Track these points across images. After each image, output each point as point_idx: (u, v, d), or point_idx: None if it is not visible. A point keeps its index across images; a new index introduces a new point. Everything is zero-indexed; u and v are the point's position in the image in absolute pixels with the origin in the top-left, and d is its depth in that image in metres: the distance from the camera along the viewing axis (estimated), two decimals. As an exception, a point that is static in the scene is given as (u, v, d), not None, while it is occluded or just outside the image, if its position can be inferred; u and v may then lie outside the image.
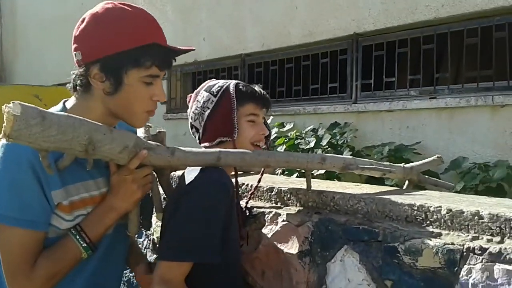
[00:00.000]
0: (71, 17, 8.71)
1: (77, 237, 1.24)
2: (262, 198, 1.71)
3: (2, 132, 1.01)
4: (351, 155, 3.76)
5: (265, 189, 1.70)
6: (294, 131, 4.36)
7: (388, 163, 1.72)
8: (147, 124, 1.50)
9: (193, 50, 1.34)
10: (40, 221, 1.21)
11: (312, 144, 3.99)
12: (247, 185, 1.78)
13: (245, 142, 1.47)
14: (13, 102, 1.00)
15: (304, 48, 4.82)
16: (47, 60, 8.81)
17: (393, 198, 1.34)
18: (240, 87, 1.49)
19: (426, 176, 1.88)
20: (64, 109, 1.30)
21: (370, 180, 3.49)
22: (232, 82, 1.51)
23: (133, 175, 1.24)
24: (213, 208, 1.29)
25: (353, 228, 1.33)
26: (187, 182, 1.35)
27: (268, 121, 4.77)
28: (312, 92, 4.79)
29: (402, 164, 1.77)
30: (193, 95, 1.57)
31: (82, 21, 1.25)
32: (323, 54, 4.67)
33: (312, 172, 3.60)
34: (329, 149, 3.94)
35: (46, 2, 8.90)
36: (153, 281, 1.29)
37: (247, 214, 1.65)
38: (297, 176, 3.54)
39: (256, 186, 1.68)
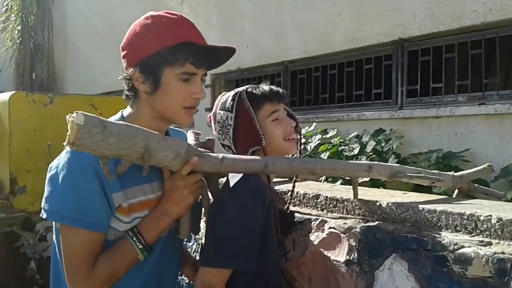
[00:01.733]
0: (119, 28, 8.95)
1: (134, 239, 1.30)
2: (308, 205, 1.73)
3: (67, 140, 1.08)
4: (397, 162, 3.72)
5: (311, 196, 1.72)
6: (338, 138, 4.34)
7: (436, 171, 1.69)
8: (197, 131, 1.55)
9: (231, 48, 1.40)
10: (101, 223, 1.28)
11: (356, 151, 3.96)
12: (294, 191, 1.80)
13: (277, 142, 1.48)
14: (76, 112, 1.07)
15: (348, 54, 4.80)
16: (97, 70, 9.12)
17: (442, 206, 1.33)
18: (250, 91, 1.50)
19: (476, 185, 1.84)
20: (122, 117, 1.38)
21: (417, 188, 3.44)
22: (242, 90, 1.51)
23: (185, 181, 1.29)
24: (250, 217, 1.32)
25: (402, 237, 1.33)
26: (227, 190, 1.39)
27: (311, 128, 4.78)
28: (356, 98, 4.76)
29: (451, 173, 1.74)
30: (211, 116, 1.58)
31: (129, 31, 1.37)
32: (367, 60, 4.64)
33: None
34: (374, 156, 3.91)
35: (95, 13, 9.23)
36: (196, 286, 1.34)
37: (293, 220, 1.67)
38: (341, 183, 3.53)
39: (292, 193, 1.68)
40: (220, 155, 1.32)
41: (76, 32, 10.01)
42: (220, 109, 1.53)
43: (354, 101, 4.78)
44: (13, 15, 11.09)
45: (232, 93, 1.54)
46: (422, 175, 1.53)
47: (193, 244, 2.14)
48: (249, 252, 1.32)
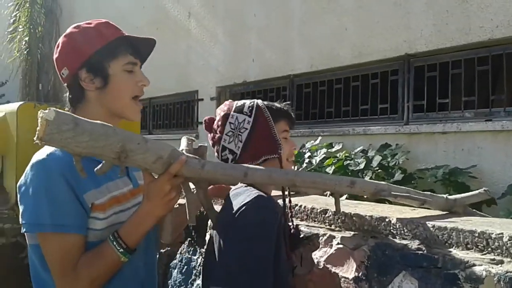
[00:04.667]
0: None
1: (114, 243, 1.30)
2: (316, 219, 1.71)
3: (36, 135, 1.09)
4: (403, 177, 3.70)
5: (318, 210, 1.71)
6: (343, 152, 4.33)
7: (429, 192, 1.61)
8: (190, 137, 1.53)
9: (152, 40, 1.50)
10: (78, 225, 1.30)
11: (362, 166, 3.95)
12: (300, 206, 1.79)
13: (283, 160, 1.50)
14: (49, 109, 1.09)
15: (354, 68, 4.82)
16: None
17: (453, 224, 1.32)
18: (267, 104, 1.53)
19: (474, 210, 1.71)
20: None
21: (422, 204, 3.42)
22: (258, 101, 1.54)
23: (171, 182, 1.27)
24: (265, 237, 1.27)
25: (412, 254, 1.31)
26: (235, 206, 1.33)
27: (316, 142, 4.76)
28: (362, 112, 4.76)
29: (445, 195, 1.63)
30: (217, 118, 1.55)
31: (57, 46, 1.45)
32: (373, 75, 4.65)
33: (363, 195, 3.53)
34: (379, 170, 3.89)
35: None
36: None
37: (299, 235, 1.66)
38: (346, 198, 3.51)
39: (290, 207, 1.60)
40: (202, 161, 1.31)
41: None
42: (235, 111, 1.52)
43: (360, 116, 4.78)
44: (20, 26, 11.18)
45: (247, 100, 1.56)
46: (409, 195, 1.46)
47: (198, 257, 2.12)
48: (266, 272, 1.27)
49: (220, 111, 1.56)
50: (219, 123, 1.54)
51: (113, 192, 1.38)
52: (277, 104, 1.56)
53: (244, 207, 1.30)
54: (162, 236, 1.37)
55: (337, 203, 1.49)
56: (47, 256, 1.30)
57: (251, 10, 6.02)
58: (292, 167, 1.57)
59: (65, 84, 1.45)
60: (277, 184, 1.45)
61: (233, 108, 1.53)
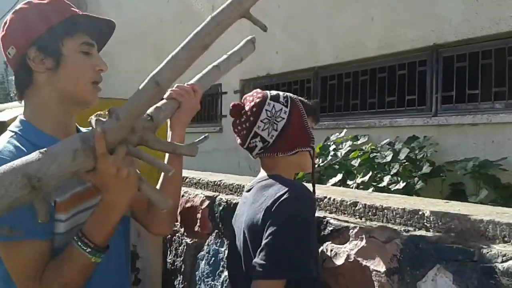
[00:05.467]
0: (147, 33, 9.07)
1: (79, 243, 1.16)
2: (346, 212, 1.69)
3: None
4: (431, 170, 3.64)
5: (348, 203, 1.68)
6: (369, 145, 4.28)
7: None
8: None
9: (111, 22, 1.34)
10: (41, 230, 1.15)
11: (389, 158, 3.89)
12: (329, 198, 1.77)
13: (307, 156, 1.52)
14: None
15: (380, 60, 4.75)
16: (123, 74, 9.25)
17: (489, 216, 1.28)
18: (300, 99, 1.53)
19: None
20: (23, 122, 1.28)
21: (452, 197, 3.36)
22: (289, 94, 1.54)
23: (109, 161, 1.10)
24: (306, 222, 1.30)
25: (446, 247, 1.28)
26: (269, 198, 1.34)
27: (341, 134, 4.75)
28: (388, 104, 4.69)
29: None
30: (250, 104, 1.50)
31: (4, 24, 1.28)
32: (400, 66, 4.57)
33: (389, 187, 3.49)
34: (407, 163, 3.84)
35: (124, 20, 9.37)
36: None
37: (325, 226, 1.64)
38: (373, 190, 3.47)
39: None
40: (116, 110, 1.10)
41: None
42: (272, 100, 1.49)
43: (386, 108, 4.71)
44: None
45: (279, 91, 1.55)
46: None
47: (225, 249, 2.12)
48: (309, 258, 1.31)
49: (253, 98, 1.51)
50: (254, 109, 1.48)
51: (75, 188, 1.23)
52: (304, 100, 1.55)
53: (286, 196, 1.31)
54: (159, 204, 1.17)
55: None
56: (9, 267, 1.16)
57: (275, 1, 5.97)
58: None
59: (11, 67, 1.27)
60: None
61: (269, 96, 1.50)
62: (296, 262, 1.28)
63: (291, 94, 1.54)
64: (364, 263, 1.48)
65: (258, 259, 1.31)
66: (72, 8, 1.29)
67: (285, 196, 1.31)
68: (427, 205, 1.52)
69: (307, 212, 1.32)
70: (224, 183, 2.29)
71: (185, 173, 2.76)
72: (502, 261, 1.16)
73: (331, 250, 1.60)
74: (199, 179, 2.48)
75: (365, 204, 1.61)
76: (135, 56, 8.86)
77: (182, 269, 2.37)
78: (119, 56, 9.65)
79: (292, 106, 1.49)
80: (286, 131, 1.46)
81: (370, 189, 3.58)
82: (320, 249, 1.61)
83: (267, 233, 1.30)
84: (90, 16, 1.29)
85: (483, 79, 3.94)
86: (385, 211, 1.53)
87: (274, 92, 1.53)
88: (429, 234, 1.36)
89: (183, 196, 2.40)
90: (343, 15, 5.07)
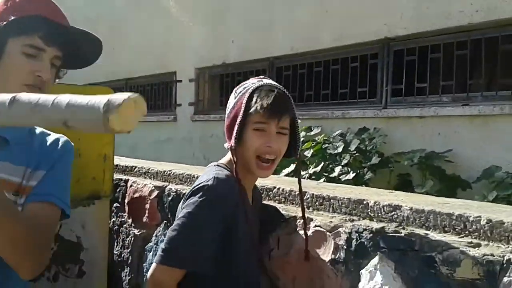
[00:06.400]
0: (102, 19, 8.83)
1: None
2: (294, 202, 1.69)
3: None
4: (380, 161, 3.72)
5: (296, 193, 1.69)
6: (322, 136, 4.33)
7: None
8: None
9: (95, 38, 1.32)
10: None
11: (340, 149, 3.96)
12: (278, 188, 1.77)
13: (249, 153, 1.39)
14: None
15: (334, 52, 4.80)
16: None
17: (431, 207, 1.31)
18: (258, 91, 1.39)
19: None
20: None
21: (401, 187, 3.45)
22: (257, 84, 1.42)
23: None
24: (206, 217, 1.32)
25: (389, 236, 1.30)
26: (194, 184, 1.38)
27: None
28: (341, 96, 4.76)
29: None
30: None
31: None
32: (353, 58, 4.64)
33: (340, 177, 3.55)
34: (357, 154, 3.91)
35: (79, 4, 9.07)
36: (147, 281, 1.34)
37: (279, 217, 1.64)
38: (324, 181, 3.52)
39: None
40: None
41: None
42: (235, 89, 1.47)
43: (339, 99, 4.77)
44: None
45: (253, 81, 1.45)
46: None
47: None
48: (202, 253, 1.33)
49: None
50: None
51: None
52: (272, 93, 1.38)
53: (198, 187, 1.35)
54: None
55: None
56: None
57: (231, -10, 5.93)
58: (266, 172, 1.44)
59: None
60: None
61: (238, 86, 1.47)
62: (186, 254, 1.32)
63: (257, 85, 1.41)
64: (310, 252, 1.49)
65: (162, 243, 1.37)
66: (44, 7, 1.25)
67: (197, 187, 1.35)
68: (372, 195, 1.54)
69: (210, 209, 1.33)
70: (174, 173, 2.25)
71: (134, 162, 2.70)
72: (442, 251, 1.19)
73: (279, 240, 1.60)
74: (148, 169, 2.43)
75: (313, 194, 1.62)
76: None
77: (129, 261, 2.32)
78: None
79: (238, 99, 1.42)
80: (226, 123, 1.45)
81: (322, 179, 3.63)
82: (268, 239, 1.61)
83: (176, 221, 1.35)
84: (51, 22, 1.25)
85: (431, 73, 4.05)
86: (332, 201, 1.55)
87: (248, 83, 1.45)
88: (373, 223, 1.38)
89: (131, 186, 2.35)
90: (299, 7, 5.08)
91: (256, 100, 1.38)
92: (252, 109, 1.38)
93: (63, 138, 1.37)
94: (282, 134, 1.42)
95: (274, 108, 1.37)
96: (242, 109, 1.38)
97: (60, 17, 1.29)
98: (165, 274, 1.33)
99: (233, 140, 1.38)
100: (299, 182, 1.51)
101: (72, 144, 1.39)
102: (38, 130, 1.35)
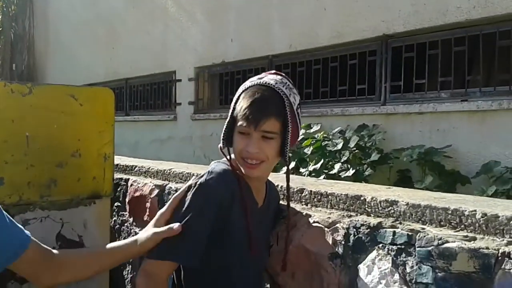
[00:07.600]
0: (101, 19, 8.86)
1: None
2: (292, 199, 1.71)
3: None
4: (379, 157, 3.74)
5: (295, 190, 1.70)
6: (321, 133, 4.35)
7: None
8: None
9: None
10: None
11: (339, 146, 3.97)
12: (277, 186, 1.79)
13: (236, 154, 1.41)
14: None
15: (332, 49, 4.81)
16: (78, 61, 8.98)
17: (427, 201, 1.32)
18: (244, 93, 1.38)
19: None
20: None
21: (400, 183, 3.47)
22: (248, 85, 1.40)
23: None
24: (197, 210, 1.34)
25: (386, 231, 1.32)
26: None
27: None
28: (340, 93, 4.77)
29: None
30: None
31: None
32: (352, 56, 4.65)
33: (340, 174, 3.56)
34: (356, 151, 3.92)
35: (77, 5, 9.08)
36: (138, 273, 1.35)
37: (281, 214, 1.65)
38: (324, 178, 3.53)
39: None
40: None
41: (58, 23, 9.84)
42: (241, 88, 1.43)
43: (338, 97, 4.78)
44: (-8, 5, 10.87)
45: (252, 80, 1.43)
46: None
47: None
48: (191, 247, 1.34)
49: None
50: None
51: None
52: (254, 97, 1.35)
53: (197, 182, 1.37)
54: None
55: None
56: None
57: (229, -11, 5.94)
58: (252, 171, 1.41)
59: None
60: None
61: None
62: (174, 248, 1.33)
63: (247, 86, 1.40)
64: (308, 247, 1.51)
65: None
66: None
67: (197, 182, 1.37)
68: (369, 191, 1.55)
69: (201, 204, 1.34)
70: (174, 171, 2.27)
71: (134, 161, 2.72)
72: (438, 245, 1.21)
73: (277, 236, 1.62)
74: (149, 168, 2.45)
75: (311, 191, 1.64)
76: (87, 40, 8.61)
77: (131, 259, 2.34)
78: (71, 40, 9.36)
79: (236, 99, 1.41)
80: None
81: (322, 176, 3.65)
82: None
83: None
84: None
85: (429, 69, 4.06)
86: (330, 197, 1.56)
87: (247, 81, 1.44)
88: (370, 219, 1.40)
89: (132, 185, 2.37)
90: (297, 4, 5.09)
91: (240, 102, 1.37)
92: (235, 112, 1.38)
93: None
94: (267, 138, 1.36)
95: (252, 113, 1.32)
96: (230, 111, 1.41)
97: None
98: (156, 267, 1.34)
99: (221, 141, 1.44)
100: (287, 191, 1.55)
101: None
102: None
